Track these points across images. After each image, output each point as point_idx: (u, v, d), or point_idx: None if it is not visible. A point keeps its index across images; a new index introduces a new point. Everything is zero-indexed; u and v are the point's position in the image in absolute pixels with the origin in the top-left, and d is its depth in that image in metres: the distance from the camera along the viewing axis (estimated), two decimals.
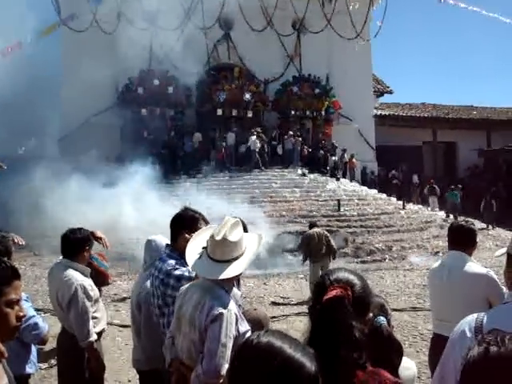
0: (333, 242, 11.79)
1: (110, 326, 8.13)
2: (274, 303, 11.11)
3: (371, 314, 1.99)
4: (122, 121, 23.33)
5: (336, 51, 25.89)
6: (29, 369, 3.83)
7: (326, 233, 11.91)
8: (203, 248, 3.01)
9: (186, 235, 3.43)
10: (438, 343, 3.90)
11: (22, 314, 1.84)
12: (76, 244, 4.41)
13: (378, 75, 31.84)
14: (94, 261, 4.61)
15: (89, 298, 4.30)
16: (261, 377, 1.41)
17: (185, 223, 3.58)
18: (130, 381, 6.40)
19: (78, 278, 4.32)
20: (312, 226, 12.18)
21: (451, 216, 22.06)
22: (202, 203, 17.81)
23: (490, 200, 22.96)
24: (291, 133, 23.62)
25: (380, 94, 31.50)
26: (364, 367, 1.79)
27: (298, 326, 8.79)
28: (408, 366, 2.55)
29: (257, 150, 22.47)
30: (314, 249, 11.43)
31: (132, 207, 15.89)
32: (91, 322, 4.29)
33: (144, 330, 4.14)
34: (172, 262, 3.52)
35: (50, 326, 3.98)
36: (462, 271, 4.02)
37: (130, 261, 14.47)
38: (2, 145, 18.20)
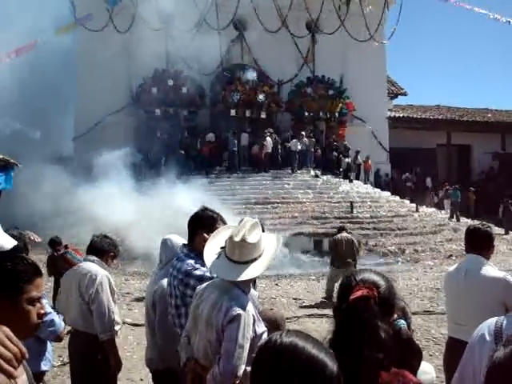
0: (358, 249, 11.41)
1: (123, 325, 8.16)
2: (299, 306, 10.98)
3: (395, 316, 1.98)
4: (136, 120, 23.44)
5: (350, 53, 25.81)
6: (44, 366, 3.84)
7: (353, 238, 11.48)
8: (221, 248, 3.00)
9: (205, 235, 3.42)
10: (454, 347, 3.87)
11: (43, 311, 1.85)
12: (103, 248, 4.51)
13: (393, 77, 31.72)
14: (68, 255, 4.64)
15: (112, 292, 4.32)
16: (284, 376, 1.40)
17: (203, 223, 3.56)
18: (142, 380, 6.41)
19: (102, 269, 4.36)
20: (341, 229, 11.72)
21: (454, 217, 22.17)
22: (214, 203, 17.91)
23: (509, 204, 22.75)
24: (303, 133, 23.59)
25: (394, 95, 31.36)
26: (388, 368, 1.79)
27: (310, 327, 8.76)
28: (427, 371, 2.53)
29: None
30: (339, 254, 11.04)
31: (144, 206, 15.94)
32: (114, 315, 4.29)
33: (158, 329, 4.14)
34: (191, 261, 3.51)
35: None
36: (479, 274, 3.99)
37: (142, 260, 14.55)
38: (17, 142, 18.35)
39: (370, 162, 25.31)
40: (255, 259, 2.92)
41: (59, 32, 22.69)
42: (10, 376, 1.33)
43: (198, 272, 3.43)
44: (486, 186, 29.01)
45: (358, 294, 1.81)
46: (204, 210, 3.73)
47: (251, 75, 24.27)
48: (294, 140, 22.96)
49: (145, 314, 4.48)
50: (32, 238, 4.02)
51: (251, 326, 2.81)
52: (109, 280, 4.30)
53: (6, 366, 1.29)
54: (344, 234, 11.38)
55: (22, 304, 1.79)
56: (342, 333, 1.81)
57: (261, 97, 24.24)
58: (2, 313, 1.61)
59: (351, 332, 1.78)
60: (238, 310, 2.78)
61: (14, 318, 1.65)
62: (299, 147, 22.74)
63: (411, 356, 2.08)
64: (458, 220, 22.32)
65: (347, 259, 10.86)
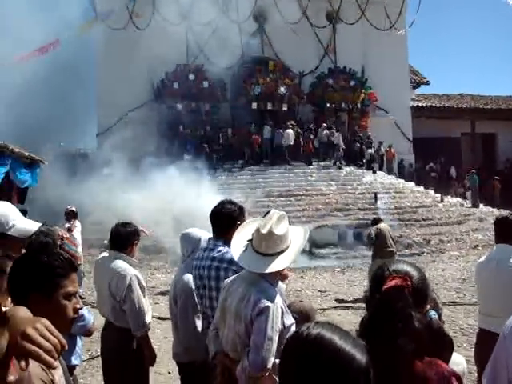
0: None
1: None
2: (338, 300, 10.82)
3: (428, 307, 1.98)
4: (158, 115, 23.55)
5: (371, 42, 25.57)
6: (74, 360, 3.88)
7: (389, 228, 11.38)
8: (248, 241, 3.01)
9: (233, 228, 3.43)
10: (485, 338, 3.83)
11: (78, 306, 1.87)
12: (126, 237, 4.46)
13: (415, 66, 31.37)
14: (66, 246, 4.65)
15: (142, 288, 4.35)
16: (311, 369, 1.40)
17: (234, 217, 3.58)
18: (170, 372, 6.46)
19: (131, 268, 4.37)
20: (376, 221, 11.54)
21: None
22: (238, 196, 17.96)
23: None
24: (325, 125, 23.48)
25: (416, 85, 31.02)
26: (422, 357, 1.78)
27: (337, 319, 8.75)
28: (458, 362, 2.52)
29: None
30: (381, 245, 10.83)
31: (168, 201, 16.02)
32: (146, 313, 4.33)
33: (180, 323, 4.17)
34: (222, 248, 3.56)
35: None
36: (510, 264, 3.94)
37: (167, 254, 14.64)
38: (42, 140, 18.56)
39: (392, 150, 25.11)
40: (282, 251, 2.92)
41: (82, 29, 22.91)
42: (50, 366, 1.35)
43: (228, 255, 3.45)
44: (511, 174, 28.60)
45: (392, 283, 1.81)
46: (230, 202, 3.74)
47: None
48: (331, 131, 23.05)
49: (169, 308, 4.53)
50: (61, 233, 4.06)
51: (280, 318, 2.82)
52: (138, 279, 4.33)
53: (46, 356, 1.31)
54: (383, 225, 11.26)
55: (58, 299, 1.82)
56: (374, 323, 1.81)
57: (282, 89, 24.18)
58: (38, 308, 1.64)
59: (385, 322, 1.78)
60: (267, 303, 2.79)
61: (51, 312, 1.67)
62: (340, 141, 22.84)
63: (442, 347, 2.07)
64: (477, 206, 22.09)
65: (389, 250, 10.73)
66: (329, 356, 1.40)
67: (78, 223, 11.17)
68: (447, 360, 2.09)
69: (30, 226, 2.70)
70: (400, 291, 1.79)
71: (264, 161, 22.68)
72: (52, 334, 1.36)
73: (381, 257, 10.68)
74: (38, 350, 1.31)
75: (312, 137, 23.24)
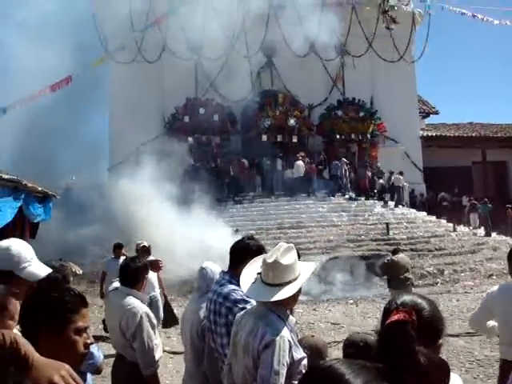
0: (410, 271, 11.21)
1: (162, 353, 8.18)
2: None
3: (441, 341, 1.95)
4: (170, 149, 23.72)
5: (380, 74, 25.78)
6: None
7: (408, 260, 11.34)
8: (258, 274, 3.02)
9: None
10: (508, 368, 3.73)
11: (89, 341, 1.88)
12: (136, 272, 4.49)
13: (423, 96, 31.54)
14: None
15: (152, 326, 4.34)
16: None
17: (251, 252, 3.54)
18: None
19: (141, 306, 4.37)
20: (396, 251, 11.54)
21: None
22: (250, 228, 17.95)
23: None
24: (345, 160, 23.57)
25: (426, 114, 31.15)
26: None
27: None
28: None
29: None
30: (396, 276, 10.80)
31: (179, 233, 16.04)
32: (155, 351, 4.31)
33: (207, 359, 4.12)
34: (233, 286, 3.54)
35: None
36: None
37: (178, 287, 14.58)
38: (53, 175, 18.76)
39: (401, 177, 25.01)
40: (290, 282, 2.91)
41: (93, 65, 23.32)
42: None
43: (240, 296, 3.44)
44: None
45: (394, 318, 1.78)
46: (251, 238, 3.76)
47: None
48: (337, 162, 23.11)
49: (185, 342, 4.49)
50: (74, 269, 4.08)
51: (287, 351, 2.79)
52: (148, 316, 4.33)
53: None
54: (400, 255, 11.23)
55: (69, 334, 1.83)
56: (380, 358, 1.79)
57: (292, 121, 24.38)
58: (49, 343, 1.65)
59: (388, 357, 1.75)
60: (273, 336, 2.77)
61: (62, 348, 1.69)
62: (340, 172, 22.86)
63: (439, 371, 2.05)
64: (490, 235, 21.95)
65: (404, 281, 10.64)
66: None
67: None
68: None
69: (41, 271, 2.71)
70: (402, 326, 1.76)
71: (276, 193, 22.70)
72: (74, 380, 1.38)
73: (395, 288, 10.62)
74: None
75: (322, 168, 23.30)
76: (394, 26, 24.81)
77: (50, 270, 2.82)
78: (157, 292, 9.06)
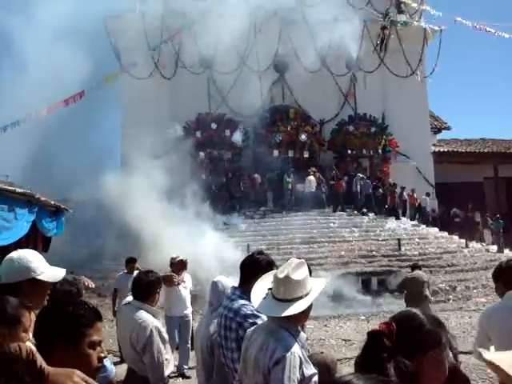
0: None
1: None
2: None
3: (432, 353, 1.94)
4: (181, 164, 23.82)
5: (391, 89, 25.79)
6: None
7: (426, 277, 11.22)
8: (269, 289, 3.02)
9: None
10: None
11: (103, 355, 1.90)
12: (149, 286, 4.48)
13: (435, 111, 31.48)
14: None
15: (163, 340, 4.34)
16: None
17: (261, 267, 3.56)
18: None
19: (152, 320, 4.37)
20: (414, 267, 11.46)
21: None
22: (260, 243, 17.92)
23: None
24: (360, 175, 23.56)
25: (438, 130, 31.06)
26: None
27: None
28: None
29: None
30: (414, 293, 10.60)
31: (190, 247, 16.06)
32: (166, 366, 4.31)
33: (217, 374, 4.12)
34: (243, 301, 3.54)
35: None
36: None
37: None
38: (65, 190, 18.86)
39: (415, 195, 24.96)
40: (301, 297, 2.91)
41: (106, 80, 23.54)
42: None
43: (250, 311, 3.44)
44: None
45: (374, 328, 1.83)
46: (260, 253, 3.77)
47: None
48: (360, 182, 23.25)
49: (198, 356, 4.49)
50: (86, 283, 4.11)
51: (297, 367, 2.78)
52: (158, 330, 4.33)
53: None
54: (417, 272, 11.11)
55: (83, 348, 1.85)
56: (358, 367, 1.84)
57: (303, 137, 24.42)
58: (64, 356, 1.67)
59: (364, 366, 1.79)
60: (283, 352, 2.77)
61: (76, 361, 1.70)
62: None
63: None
64: (502, 251, 21.79)
65: (422, 297, 10.47)
66: None
67: (187, 276, 9.11)
68: None
69: (58, 272, 2.79)
70: (378, 336, 1.80)
71: (287, 207, 22.69)
72: (87, 382, 1.40)
73: (411, 304, 10.49)
74: None
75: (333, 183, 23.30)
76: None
77: (64, 271, 2.87)
78: (189, 311, 8.87)
